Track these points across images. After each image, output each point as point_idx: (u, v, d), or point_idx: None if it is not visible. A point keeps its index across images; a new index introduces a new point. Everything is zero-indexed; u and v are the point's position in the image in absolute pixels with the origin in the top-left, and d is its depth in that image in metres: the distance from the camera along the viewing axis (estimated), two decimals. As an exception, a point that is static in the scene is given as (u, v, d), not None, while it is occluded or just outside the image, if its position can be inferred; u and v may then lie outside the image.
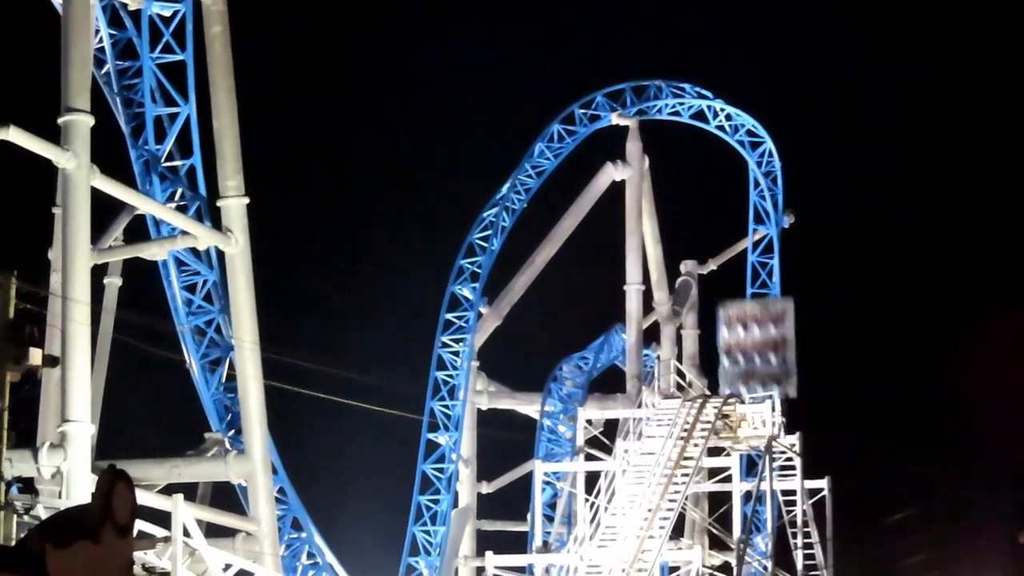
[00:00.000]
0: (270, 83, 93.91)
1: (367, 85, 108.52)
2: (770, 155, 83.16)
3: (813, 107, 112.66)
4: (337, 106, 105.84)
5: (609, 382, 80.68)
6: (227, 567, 48.04)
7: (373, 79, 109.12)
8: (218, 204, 52.45)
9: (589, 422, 74.95)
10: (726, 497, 72.63)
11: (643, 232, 79.76)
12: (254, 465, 51.49)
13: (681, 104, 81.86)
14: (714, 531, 74.30)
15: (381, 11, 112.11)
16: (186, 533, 46.12)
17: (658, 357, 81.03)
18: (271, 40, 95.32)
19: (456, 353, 75.78)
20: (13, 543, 35.53)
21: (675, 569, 71.33)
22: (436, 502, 74.67)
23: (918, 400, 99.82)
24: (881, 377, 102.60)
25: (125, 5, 53.57)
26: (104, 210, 49.75)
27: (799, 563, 73.23)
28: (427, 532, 74.33)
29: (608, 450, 73.31)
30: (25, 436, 44.77)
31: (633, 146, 79.68)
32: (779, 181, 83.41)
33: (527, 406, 79.32)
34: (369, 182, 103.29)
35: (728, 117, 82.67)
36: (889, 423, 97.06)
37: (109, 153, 49.48)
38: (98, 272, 51.87)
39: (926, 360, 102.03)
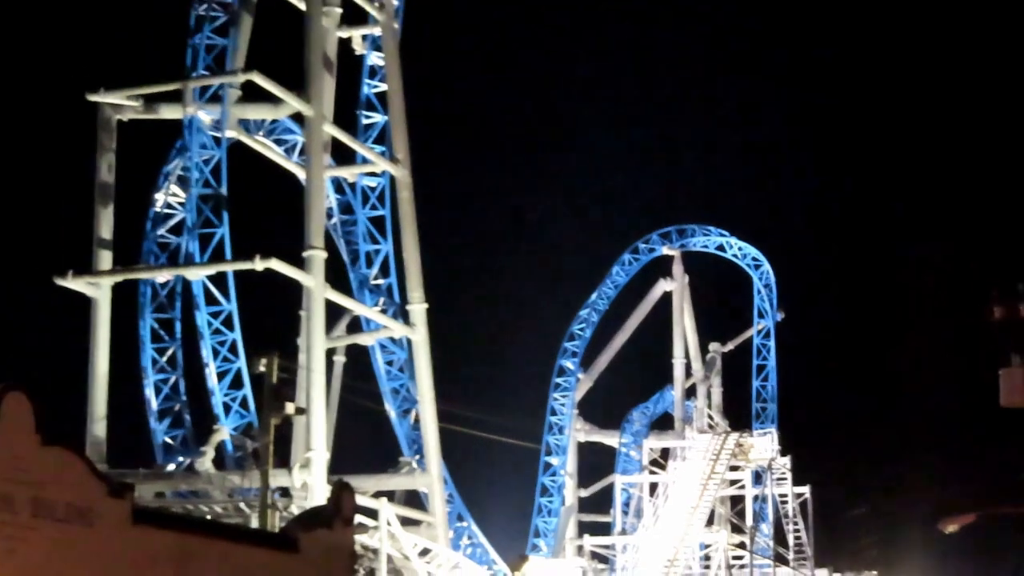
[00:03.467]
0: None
1: (489, 232, 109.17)
2: (768, 273, 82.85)
3: (804, 237, 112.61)
4: (474, 242, 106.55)
5: (663, 423, 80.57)
6: (415, 546, 48.07)
7: (489, 227, 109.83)
8: (407, 308, 52.50)
9: (651, 449, 74.78)
10: (741, 499, 72.25)
11: (684, 324, 79.78)
12: (432, 478, 51.32)
13: (709, 240, 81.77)
14: (733, 521, 73.74)
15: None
16: (389, 523, 46.31)
17: (696, 406, 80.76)
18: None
19: (563, 404, 75.98)
20: (277, 530, 35.72)
21: (708, 546, 70.91)
22: (551, 502, 74.64)
23: (873, 435, 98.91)
24: (847, 419, 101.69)
25: (345, 179, 53.92)
26: (333, 312, 49.96)
27: (791, 542, 72.70)
28: (545, 522, 74.21)
29: (663, 467, 73.12)
30: (283, 460, 45.07)
31: (677, 268, 79.94)
32: (774, 290, 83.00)
33: (610, 439, 79.35)
34: (499, 294, 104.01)
35: (740, 249, 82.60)
36: (854, 451, 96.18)
37: (336, 275, 49.67)
38: (329, 353, 52.13)
39: (883, 410, 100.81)
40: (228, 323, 44.45)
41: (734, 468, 71.62)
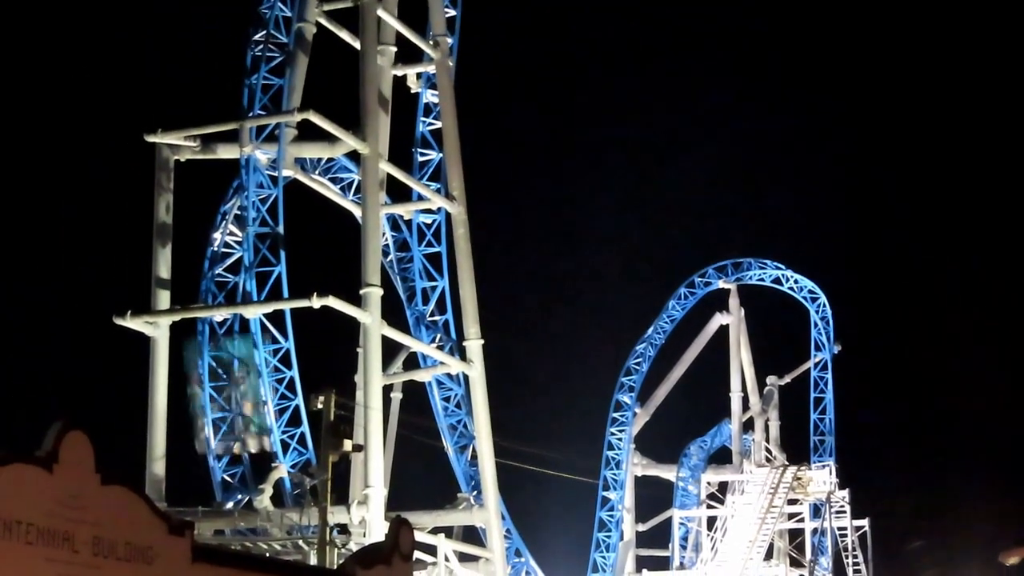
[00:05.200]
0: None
1: (545, 267, 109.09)
2: (824, 306, 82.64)
3: (861, 269, 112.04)
4: (530, 277, 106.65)
5: (721, 456, 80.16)
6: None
7: (545, 262, 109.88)
8: (463, 344, 52.41)
9: (709, 483, 74.45)
10: (800, 532, 71.77)
11: (741, 358, 79.44)
12: (490, 514, 51.16)
13: (765, 273, 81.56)
14: (792, 555, 73.27)
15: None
16: (447, 559, 46.15)
17: (753, 440, 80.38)
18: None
19: (620, 439, 75.64)
20: (335, 567, 35.66)
21: (767, 581, 70.47)
22: (609, 537, 74.29)
23: (932, 468, 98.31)
24: (905, 452, 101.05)
25: (401, 216, 54.02)
26: (390, 349, 49.90)
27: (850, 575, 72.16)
28: (603, 557, 73.86)
29: (721, 501, 72.77)
30: (341, 497, 45.03)
31: (733, 302, 79.71)
32: (830, 323, 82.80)
33: (668, 473, 78.96)
34: (556, 330, 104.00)
35: (796, 282, 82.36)
36: (912, 484, 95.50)
37: (393, 312, 49.64)
38: (387, 389, 52.09)
39: (942, 443, 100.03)
40: (286, 361, 44.56)
41: (792, 501, 71.28)
